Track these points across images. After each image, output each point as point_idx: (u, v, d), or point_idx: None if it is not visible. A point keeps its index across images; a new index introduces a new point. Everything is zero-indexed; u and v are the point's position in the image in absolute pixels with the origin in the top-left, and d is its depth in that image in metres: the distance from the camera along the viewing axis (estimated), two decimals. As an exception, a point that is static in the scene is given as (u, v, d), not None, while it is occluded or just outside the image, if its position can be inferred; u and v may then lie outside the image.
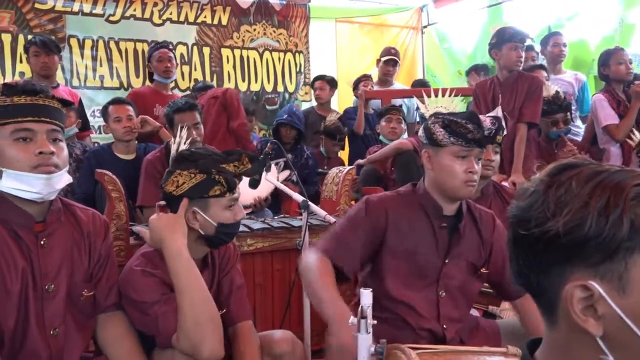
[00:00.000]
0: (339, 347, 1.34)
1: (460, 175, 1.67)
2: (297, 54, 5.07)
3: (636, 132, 2.82)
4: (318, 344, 2.42)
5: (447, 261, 1.74)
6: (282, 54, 5.00)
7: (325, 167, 3.73)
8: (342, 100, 5.07)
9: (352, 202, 2.83)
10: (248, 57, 4.84)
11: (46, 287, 1.46)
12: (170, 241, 1.54)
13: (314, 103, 4.85)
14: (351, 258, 1.68)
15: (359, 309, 1.17)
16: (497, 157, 2.33)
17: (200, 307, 1.51)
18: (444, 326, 1.73)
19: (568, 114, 3.33)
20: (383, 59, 4.65)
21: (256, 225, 2.53)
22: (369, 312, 1.16)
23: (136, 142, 3.24)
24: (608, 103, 3.47)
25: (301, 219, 2.66)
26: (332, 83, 4.52)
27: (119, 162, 3.12)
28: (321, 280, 1.56)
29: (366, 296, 1.18)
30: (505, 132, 2.41)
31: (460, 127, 1.67)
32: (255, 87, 4.88)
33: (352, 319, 1.17)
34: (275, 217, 2.76)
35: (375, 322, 1.16)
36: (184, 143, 1.94)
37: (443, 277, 1.74)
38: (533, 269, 0.64)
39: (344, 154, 4.47)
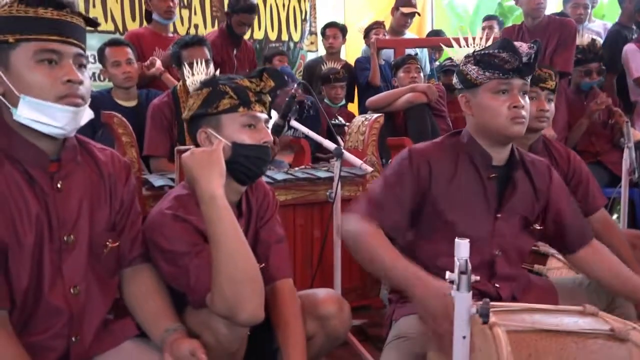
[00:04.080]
0: (435, 308, 1.18)
1: (504, 112, 1.47)
2: (302, 1, 4.76)
3: None
4: (350, 302, 2.26)
5: (499, 216, 1.56)
6: (286, 1, 4.67)
7: (341, 120, 3.51)
8: (350, 50, 4.79)
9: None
10: (251, 3, 4.52)
11: (64, 237, 1.24)
12: (203, 182, 1.31)
13: (320, 53, 4.57)
14: (400, 214, 1.50)
15: (457, 262, 0.98)
16: (552, 107, 2.13)
17: (237, 262, 1.29)
18: (496, 285, 1.56)
19: (602, 64, 3.13)
20: (403, 10, 4.28)
21: (279, 176, 2.32)
22: (467, 266, 0.97)
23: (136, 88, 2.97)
24: (640, 53, 3.28)
25: (326, 170, 2.46)
26: (344, 31, 4.23)
27: (120, 109, 2.83)
28: (379, 245, 1.40)
29: (463, 247, 0.98)
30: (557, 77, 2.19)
31: (494, 58, 1.48)
32: (258, 35, 4.57)
33: (449, 275, 0.97)
34: (298, 168, 2.54)
35: (478, 278, 0.97)
36: (202, 73, 1.68)
37: (496, 235, 1.56)
38: None
39: (354, 108, 4.23)
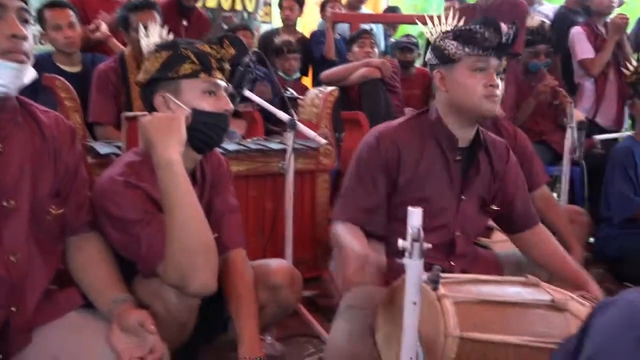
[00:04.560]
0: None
1: (480, 90, 1.48)
2: (257, -30, 4.63)
3: (634, 62, 2.75)
4: (301, 273, 2.27)
5: (463, 197, 1.59)
6: (241, -32, 4.54)
7: (293, 92, 3.48)
8: (306, 23, 4.73)
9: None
10: (205, -30, 4.36)
11: (4, 202, 1.17)
12: (160, 147, 1.27)
13: (274, 25, 4.49)
14: (381, 215, 1.53)
15: (409, 230, 0.99)
16: (502, 86, 2.16)
17: (192, 231, 1.27)
18: (452, 263, 1.60)
19: (550, 46, 3.22)
20: None
21: (231, 146, 2.28)
22: (421, 234, 0.98)
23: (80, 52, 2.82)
24: (586, 36, 3.39)
25: (279, 142, 2.44)
26: (300, 3, 4.16)
27: (63, 74, 2.69)
28: (346, 237, 1.45)
29: (416, 215, 0.99)
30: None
31: (475, 34, 1.48)
32: (211, 3, 4.42)
33: (402, 242, 0.99)
34: (250, 139, 2.51)
35: (430, 245, 0.98)
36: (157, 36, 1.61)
37: (460, 216, 1.59)
38: None
39: (308, 81, 4.20)
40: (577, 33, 3.42)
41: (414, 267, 0.98)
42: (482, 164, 1.61)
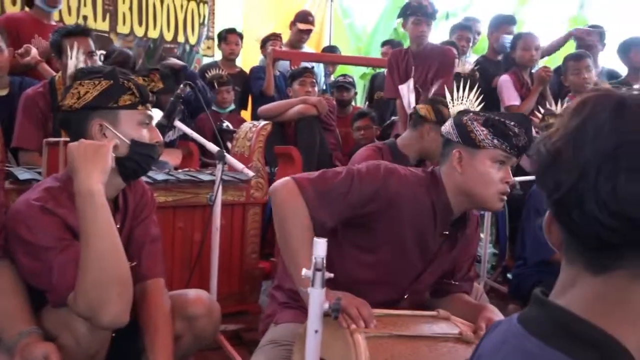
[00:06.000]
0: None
1: (496, 185, 1.45)
2: (201, 4, 4.69)
3: (541, 110, 2.96)
4: (225, 307, 2.24)
5: (428, 269, 1.57)
6: (184, 2, 4.58)
7: (228, 125, 3.52)
8: (247, 58, 4.81)
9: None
10: (147, 0, 4.38)
11: None
12: (83, 175, 1.25)
13: (216, 58, 4.54)
14: (328, 219, 1.43)
15: (313, 260, 1.02)
16: None
17: (107, 263, 1.25)
18: None
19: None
20: (300, 26, 4.36)
21: (159, 176, 2.27)
22: (323, 264, 1.02)
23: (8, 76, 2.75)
24: (512, 84, 3.61)
25: (210, 173, 2.45)
26: (242, 38, 4.24)
27: (-12, 97, 2.64)
28: (301, 237, 1.35)
29: (321, 246, 1.03)
30: None
31: (508, 129, 1.44)
32: (153, 34, 4.44)
33: (305, 272, 1.02)
34: (181, 170, 2.50)
35: (332, 275, 1.02)
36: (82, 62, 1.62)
37: (416, 283, 1.58)
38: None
39: (247, 115, 4.25)
40: (505, 81, 3.64)
41: (316, 296, 1.00)
42: (459, 241, 1.60)
